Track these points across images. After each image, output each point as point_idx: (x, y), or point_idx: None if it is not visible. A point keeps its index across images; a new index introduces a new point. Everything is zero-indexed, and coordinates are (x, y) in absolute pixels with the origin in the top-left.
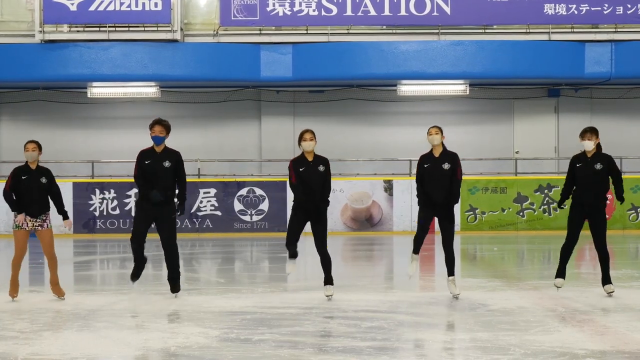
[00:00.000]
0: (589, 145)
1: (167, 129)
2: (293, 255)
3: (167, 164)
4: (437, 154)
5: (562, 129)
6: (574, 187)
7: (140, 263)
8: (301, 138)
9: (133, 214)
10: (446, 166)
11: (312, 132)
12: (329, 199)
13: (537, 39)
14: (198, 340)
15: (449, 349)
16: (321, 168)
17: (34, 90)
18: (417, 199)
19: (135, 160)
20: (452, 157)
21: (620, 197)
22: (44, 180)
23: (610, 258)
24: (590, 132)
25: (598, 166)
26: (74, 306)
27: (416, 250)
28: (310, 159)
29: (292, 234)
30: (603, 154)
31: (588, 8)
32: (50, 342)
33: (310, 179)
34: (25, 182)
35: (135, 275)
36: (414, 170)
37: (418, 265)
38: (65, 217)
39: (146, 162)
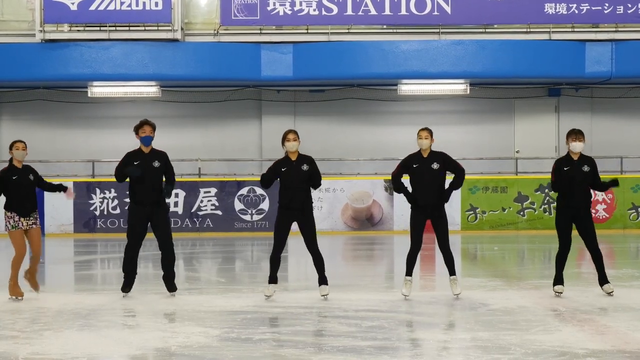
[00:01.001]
0: (579, 147)
1: (155, 129)
2: (273, 280)
3: (156, 164)
4: (425, 154)
5: (563, 128)
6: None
7: (131, 276)
8: (285, 138)
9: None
10: (435, 166)
11: (296, 133)
12: (316, 192)
13: (537, 38)
14: (199, 339)
15: (450, 348)
16: (305, 167)
17: (35, 90)
18: (398, 194)
19: (121, 159)
20: (440, 156)
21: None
22: (31, 177)
23: (611, 258)
24: (579, 133)
25: (585, 168)
26: (75, 306)
27: (410, 272)
28: (293, 158)
29: (280, 243)
30: (587, 156)
31: (588, 7)
32: (50, 341)
33: (292, 179)
34: (15, 182)
35: (128, 286)
36: None
37: (411, 286)
38: (64, 188)
39: (135, 163)
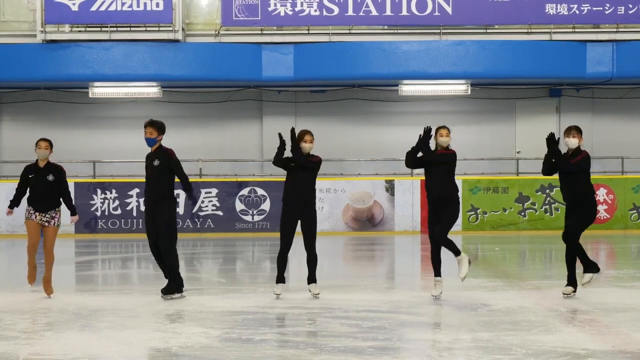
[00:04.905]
0: (574, 143)
1: (158, 128)
2: (281, 280)
3: (156, 162)
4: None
5: (564, 129)
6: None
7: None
8: (301, 139)
9: (134, 214)
10: None
11: (312, 134)
12: (317, 192)
13: (538, 39)
14: (200, 340)
15: (451, 348)
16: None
17: (36, 90)
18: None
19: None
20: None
21: None
22: (50, 177)
23: (612, 258)
24: (575, 129)
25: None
26: (76, 306)
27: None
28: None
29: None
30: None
31: (589, 8)
32: (51, 342)
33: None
34: (32, 180)
35: (172, 289)
36: (416, 170)
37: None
38: (73, 213)
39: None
